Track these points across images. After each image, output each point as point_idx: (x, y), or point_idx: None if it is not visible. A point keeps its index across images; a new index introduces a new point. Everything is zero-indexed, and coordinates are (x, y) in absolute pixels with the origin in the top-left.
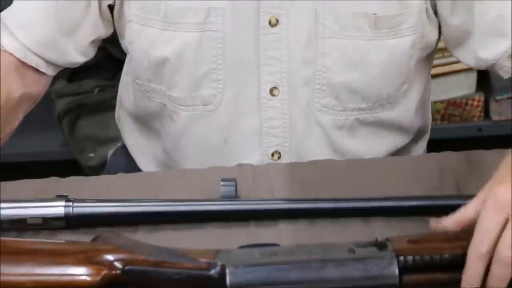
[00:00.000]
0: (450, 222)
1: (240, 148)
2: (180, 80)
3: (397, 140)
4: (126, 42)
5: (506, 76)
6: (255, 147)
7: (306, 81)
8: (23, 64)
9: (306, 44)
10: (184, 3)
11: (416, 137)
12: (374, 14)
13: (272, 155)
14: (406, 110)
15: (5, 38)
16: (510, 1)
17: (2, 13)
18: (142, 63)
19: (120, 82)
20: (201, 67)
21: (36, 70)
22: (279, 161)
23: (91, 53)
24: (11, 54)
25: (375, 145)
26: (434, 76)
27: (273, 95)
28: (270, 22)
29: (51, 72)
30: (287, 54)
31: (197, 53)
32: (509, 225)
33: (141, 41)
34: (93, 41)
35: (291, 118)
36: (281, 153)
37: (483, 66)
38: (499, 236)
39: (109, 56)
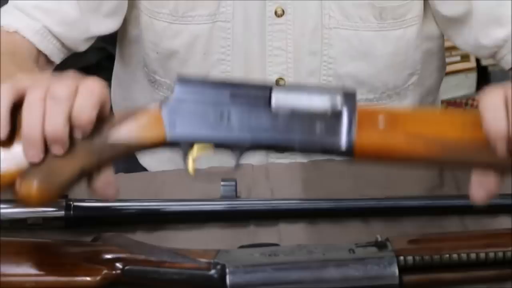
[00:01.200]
0: None
1: None
2: (188, 72)
3: None
4: (138, 30)
5: (507, 67)
6: None
7: (312, 72)
8: (37, 53)
9: (312, 34)
10: None
11: None
12: (379, 5)
13: None
14: (415, 103)
15: (22, 21)
16: None
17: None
18: (150, 54)
19: (116, 80)
20: (210, 58)
21: (46, 60)
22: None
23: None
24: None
25: None
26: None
27: (279, 85)
28: (276, 13)
29: (58, 61)
30: (293, 45)
31: (207, 44)
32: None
33: (149, 33)
34: (113, 18)
35: None
36: None
37: (484, 54)
38: (507, 105)
39: (109, 56)
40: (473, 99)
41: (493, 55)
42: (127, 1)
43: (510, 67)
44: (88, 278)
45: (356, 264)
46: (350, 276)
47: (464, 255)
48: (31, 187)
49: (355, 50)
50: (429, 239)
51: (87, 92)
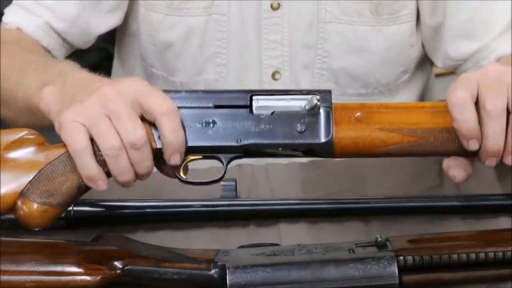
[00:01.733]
0: None
1: None
2: (184, 65)
3: None
4: (135, 25)
5: None
6: None
7: (307, 65)
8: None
9: (308, 28)
10: None
11: None
12: None
13: None
14: (407, 100)
15: (23, 18)
16: (489, 2)
17: None
18: (147, 47)
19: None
20: (206, 51)
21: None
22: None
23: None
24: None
25: None
26: (436, 76)
27: (275, 79)
28: (272, 6)
29: (62, 57)
30: (289, 38)
31: (203, 37)
32: (484, 85)
33: (146, 26)
34: (114, 14)
35: None
36: None
37: (450, 66)
38: (474, 99)
39: (109, 56)
40: None
41: (456, 67)
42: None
43: None
44: (88, 278)
45: (356, 264)
46: (350, 276)
47: (464, 255)
48: (32, 207)
49: (350, 44)
50: (429, 239)
51: (170, 121)
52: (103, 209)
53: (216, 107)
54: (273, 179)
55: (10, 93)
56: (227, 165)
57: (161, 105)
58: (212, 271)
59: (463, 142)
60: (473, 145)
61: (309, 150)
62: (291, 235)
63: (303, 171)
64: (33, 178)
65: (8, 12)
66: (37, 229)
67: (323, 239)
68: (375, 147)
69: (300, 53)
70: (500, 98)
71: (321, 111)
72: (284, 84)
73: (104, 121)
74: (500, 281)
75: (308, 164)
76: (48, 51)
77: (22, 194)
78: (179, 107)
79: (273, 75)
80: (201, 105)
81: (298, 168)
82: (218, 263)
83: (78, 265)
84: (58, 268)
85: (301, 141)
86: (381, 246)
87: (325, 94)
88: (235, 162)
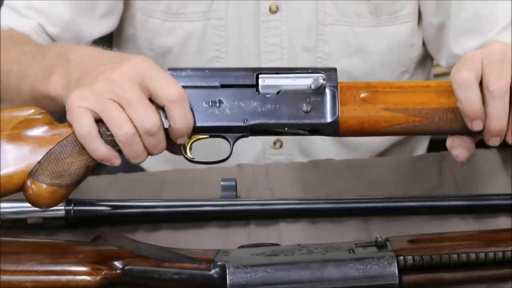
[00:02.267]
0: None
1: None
2: None
3: None
4: (134, 29)
5: None
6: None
7: None
8: None
9: (307, 30)
10: None
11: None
12: (374, 0)
13: (274, 143)
14: None
15: (16, 20)
16: (490, 2)
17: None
18: (145, 52)
19: None
20: (205, 55)
21: None
22: (280, 149)
23: (105, 32)
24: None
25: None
26: (434, 76)
27: None
28: (270, 9)
29: None
30: (288, 41)
31: (201, 42)
32: (488, 64)
33: (143, 31)
34: (108, 18)
35: None
36: (283, 141)
37: (454, 64)
38: (478, 79)
39: None
40: None
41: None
42: (122, 1)
43: None
44: (88, 278)
45: (356, 264)
46: (350, 276)
47: (464, 255)
48: (41, 188)
49: (349, 46)
50: (429, 239)
51: (180, 108)
52: (103, 209)
53: (223, 86)
54: (273, 179)
55: (13, 87)
56: (233, 144)
57: (169, 92)
58: (212, 271)
59: (467, 122)
60: (477, 126)
61: (315, 130)
62: (291, 235)
63: (303, 171)
64: (41, 158)
65: (1, 15)
66: (46, 208)
67: (323, 239)
68: (380, 127)
69: (300, 56)
70: (504, 77)
71: (327, 90)
72: None
73: (114, 107)
74: (500, 281)
75: (308, 164)
76: None
77: (31, 174)
78: (185, 87)
79: None
80: (207, 85)
81: (298, 168)
82: (218, 263)
83: (78, 265)
84: (58, 268)
85: (307, 121)
86: (381, 246)
87: (331, 73)
88: (235, 162)
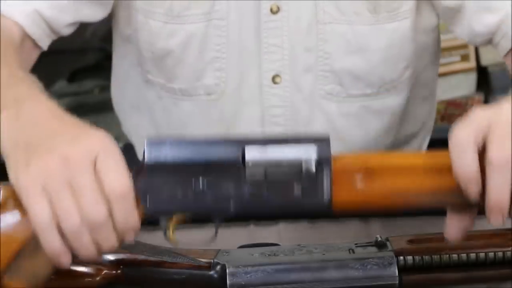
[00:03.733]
0: None
1: None
2: (183, 71)
3: (404, 129)
4: (131, 30)
5: (503, 53)
6: None
7: (309, 68)
8: (23, 37)
9: (307, 30)
10: None
11: (422, 134)
12: None
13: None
14: (413, 98)
15: (13, 4)
16: None
17: None
18: (144, 54)
19: (114, 77)
20: (205, 56)
21: (33, 45)
22: None
23: (103, 12)
24: (16, 24)
25: (381, 135)
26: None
27: (275, 82)
28: (271, 10)
29: (45, 47)
30: (289, 41)
31: (202, 43)
32: (492, 130)
33: (144, 33)
34: (101, 5)
35: (293, 106)
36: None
37: (480, 41)
38: (478, 143)
39: (109, 56)
40: (473, 99)
41: (489, 42)
42: None
43: (505, 53)
44: (88, 278)
45: (356, 264)
46: (350, 276)
47: (464, 255)
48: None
49: (350, 45)
50: (429, 239)
51: (122, 205)
52: None
53: (205, 165)
54: None
55: None
56: (217, 227)
57: (113, 186)
58: (212, 271)
59: (461, 187)
60: (471, 194)
61: (307, 213)
62: (291, 235)
63: None
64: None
65: None
66: None
67: (323, 239)
68: (376, 209)
69: (300, 56)
70: (507, 147)
71: (319, 173)
72: (285, 87)
73: (66, 196)
74: (500, 281)
75: None
76: (32, 40)
77: (3, 271)
78: (164, 165)
79: (273, 79)
80: (187, 162)
81: None
82: (218, 263)
83: (78, 265)
84: (58, 268)
85: (297, 205)
86: (381, 246)
87: (323, 146)
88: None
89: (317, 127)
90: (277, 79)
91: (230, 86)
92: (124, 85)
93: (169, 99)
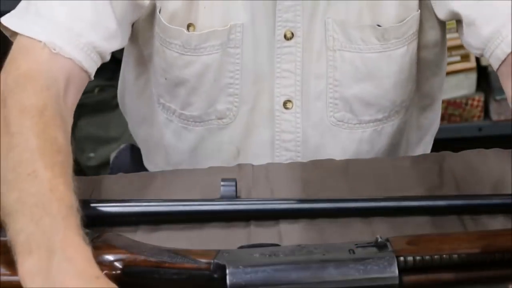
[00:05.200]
0: None
1: (253, 160)
2: (197, 99)
3: (406, 138)
4: (149, 51)
5: (496, 65)
6: (268, 159)
7: (319, 95)
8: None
9: (317, 57)
10: (207, 29)
11: (426, 137)
12: (378, 25)
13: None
14: (412, 106)
15: (64, 38)
16: None
17: (42, 8)
18: (158, 79)
19: (122, 82)
20: (219, 83)
21: (80, 81)
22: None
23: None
24: (66, 58)
25: (388, 149)
26: None
27: (286, 108)
28: (285, 36)
29: (92, 77)
30: (301, 67)
31: (217, 72)
32: None
33: (160, 59)
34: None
35: (304, 132)
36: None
37: (478, 54)
38: None
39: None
40: (473, 99)
41: (481, 54)
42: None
43: (499, 64)
44: None
45: (356, 264)
46: (350, 276)
47: (464, 255)
48: None
49: (359, 72)
50: (429, 239)
51: None
52: (103, 209)
53: None
54: (273, 179)
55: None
56: None
57: None
58: (212, 271)
59: None
60: None
61: None
62: (291, 235)
63: (303, 171)
64: None
65: (32, 25)
66: None
67: (323, 239)
68: None
69: (311, 83)
70: None
71: None
72: (296, 113)
73: None
74: (500, 281)
75: (308, 164)
76: (86, 72)
77: None
78: None
79: (284, 104)
80: None
81: (298, 168)
82: (218, 263)
83: None
84: None
85: None
86: (381, 246)
87: None
88: (235, 162)
89: (328, 153)
90: (289, 105)
91: (242, 111)
92: (138, 99)
93: (181, 125)
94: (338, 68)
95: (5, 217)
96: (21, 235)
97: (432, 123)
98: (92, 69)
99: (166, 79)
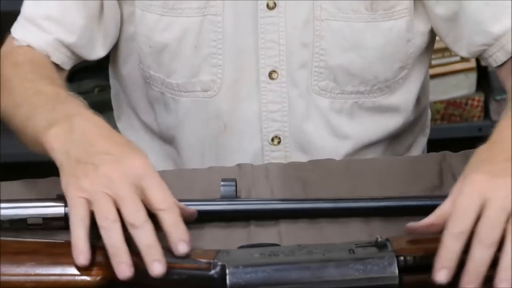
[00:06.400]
0: (427, 222)
1: (240, 134)
2: (180, 66)
3: (397, 126)
4: (132, 28)
5: (494, 64)
6: (255, 132)
7: (304, 64)
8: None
9: (303, 26)
10: None
11: (417, 130)
12: None
13: (272, 140)
14: (406, 97)
15: (33, 35)
16: None
17: (23, 9)
18: (144, 48)
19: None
20: (201, 52)
21: (57, 68)
22: (279, 146)
23: (113, 40)
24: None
25: (374, 130)
26: (434, 76)
27: (272, 78)
28: (268, 5)
29: (69, 67)
30: (285, 37)
31: (198, 38)
32: (489, 205)
33: (142, 27)
34: (115, 25)
35: (290, 101)
36: (281, 138)
37: (475, 52)
38: (476, 217)
39: (109, 57)
40: (473, 99)
41: (481, 54)
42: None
43: (497, 64)
44: (88, 278)
45: (356, 264)
46: (350, 276)
47: (464, 256)
48: None
49: (346, 41)
50: (429, 239)
51: (169, 215)
52: None
53: None
54: (273, 179)
55: (20, 124)
56: None
57: (160, 201)
58: (212, 271)
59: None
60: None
61: None
62: (291, 235)
63: (303, 171)
64: None
65: (18, 27)
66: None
67: (323, 239)
68: None
69: (296, 52)
70: (497, 230)
71: None
72: (281, 83)
73: (105, 201)
74: None
75: (308, 164)
76: (57, 66)
77: None
78: None
79: (270, 75)
80: None
81: (298, 168)
82: (218, 263)
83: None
84: (58, 268)
85: None
86: (381, 246)
87: None
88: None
89: (313, 123)
90: (274, 75)
91: (227, 83)
92: (126, 85)
93: (169, 95)
94: (325, 38)
95: (14, 109)
96: (36, 118)
97: (420, 114)
98: (63, 61)
99: (150, 46)
